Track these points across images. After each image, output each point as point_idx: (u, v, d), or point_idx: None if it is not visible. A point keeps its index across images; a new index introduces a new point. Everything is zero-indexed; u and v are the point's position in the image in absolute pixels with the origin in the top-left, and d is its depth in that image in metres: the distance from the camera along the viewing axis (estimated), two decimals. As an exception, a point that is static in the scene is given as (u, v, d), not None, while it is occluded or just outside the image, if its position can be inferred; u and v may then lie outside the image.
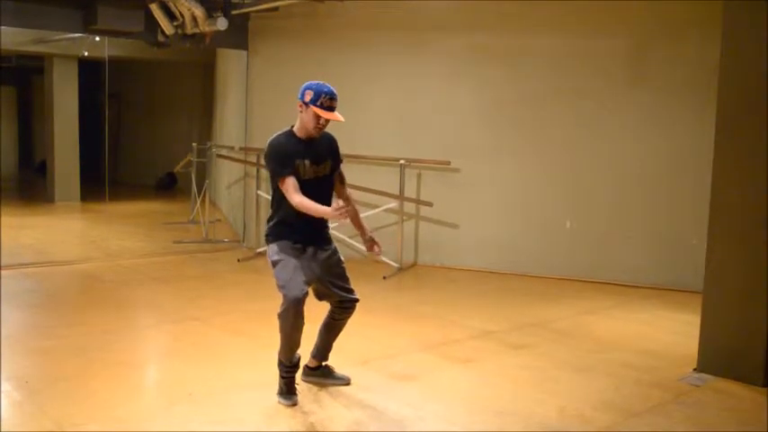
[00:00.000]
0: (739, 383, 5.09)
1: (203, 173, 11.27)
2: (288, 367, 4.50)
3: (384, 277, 8.49)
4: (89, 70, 13.00)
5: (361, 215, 8.40)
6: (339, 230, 8.95)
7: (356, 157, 9.23)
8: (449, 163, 9.03)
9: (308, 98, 4.31)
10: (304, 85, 4.37)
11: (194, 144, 11.49)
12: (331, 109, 4.33)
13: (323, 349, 4.79)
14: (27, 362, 5.29)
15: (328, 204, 4.45)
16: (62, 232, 11.64)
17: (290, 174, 4.32)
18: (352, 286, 4.68)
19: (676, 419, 4.51)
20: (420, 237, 9.42)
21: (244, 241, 10.19)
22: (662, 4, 8.11)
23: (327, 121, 4.35)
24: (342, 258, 4.68)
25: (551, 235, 8.87)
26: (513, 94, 8.94)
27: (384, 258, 8.95)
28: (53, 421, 4.12)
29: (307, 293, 4.32)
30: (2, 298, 7.06)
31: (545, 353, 5.83)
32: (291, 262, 4.35)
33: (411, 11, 9.16)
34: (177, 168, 12.49)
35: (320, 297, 4.64)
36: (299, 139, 4.43)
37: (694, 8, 7.89)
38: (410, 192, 9.18)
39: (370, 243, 4.70)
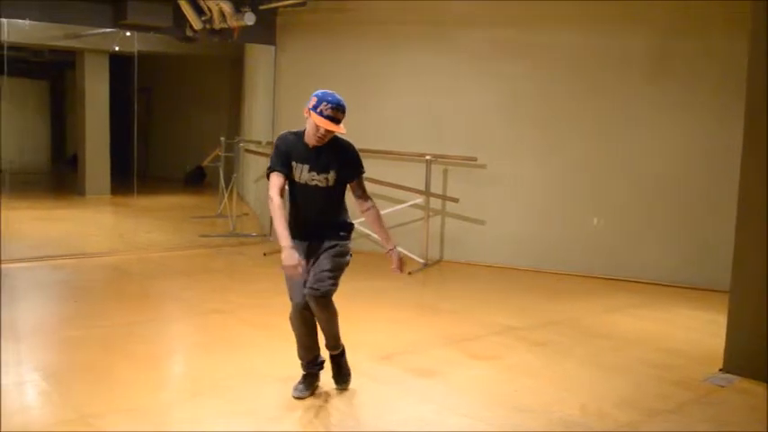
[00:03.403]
0: (766, 384, 5.01)
1: (231, 167, 11.32)
2: (304, 364, 4.57)
3: (409, 273, 8.48)
4: (120, 65, 13.09)
5: (387, 210, 8.43)
6: (365, 225, 8.97)
7: (383, 153, 9.25)
8: (475, 159, 9.00)
9: (311, 104, 4.16)
10: (314, 92, 4.22)
11: (222, 138, 11.54)
12: (332, 119, 4.11)
13: (325, 338, 4.62)
14: (53, 352, 5.36)
15: (330, 215, 4.37)
16: (91, 225, 11.78)
17: (278, 171, 4.25)
18: (332, 283, 4.27)
19: (699, 419, 4.46)
20: (446, 233, 9.40)
21: (270, 235, 10.21)
22: (686, 3, 8.02)
23: (328, 132, 4.15)
24: (343, 254, 4.37)
25: (577, 232, 8.82)
26: (540, 91, 8.90)
27: (410, 254, 8.96)
28: (75, 410, 4.17)
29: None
30: (30, 289, 7.19)
31: (567, 350, 5.80)
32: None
33: (437, 6, 9.14)
34: (205, 162, 12.56)
35: None
36: (305, 143, 4.29)
37: (718, 6, 7.80)
38: (436, 188, 9.16)
39: (393, 259, 4.38)
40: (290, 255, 4.02)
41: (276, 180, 4.26)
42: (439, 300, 7.58)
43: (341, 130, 4.16)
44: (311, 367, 4.57)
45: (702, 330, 6.48)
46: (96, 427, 3.95)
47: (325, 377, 4.72)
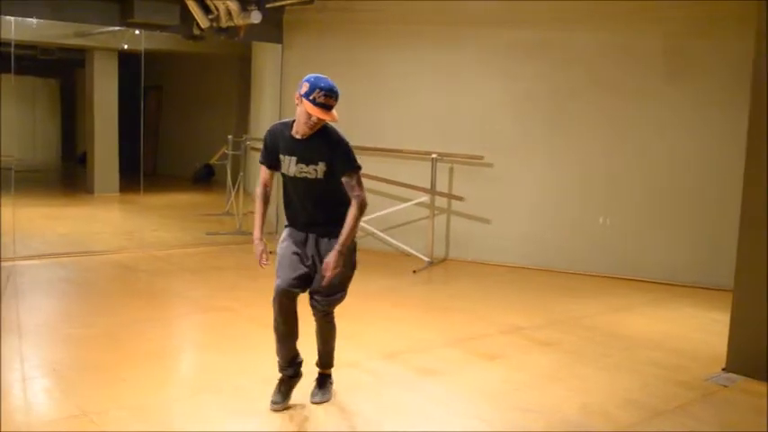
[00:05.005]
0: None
1: (239, 165, 11.33)
2: (280, 363, 4.33)
3: (414, 271, 8.49)
4: (129, 63, 13.14)
5: (393, 208, 8.38)
6: (370, 223, 8.98)
7: (388, 151, 9.24)
8: (481, 158, 8.98)
9: (303, 90, 3.96)
10: (305, 77, 4.03)
11: (230, 136, 11.56)
12: (325, 106, 3.92)
13: (317, 356, 4.52)
14: (57, 349, 5.39)
15: (327, 209, 4.14)
16: (99, 223, 11.81)
17: (263, 162, 4.27)
18: (336, 295, 4.23)
19: (702, 419, 4.45)
20: (451, 231, 9.39)
21: (277, 233, 10.23)
22: (699, 2, 7.99)
23: (321, 120, 3.97)
24: (350, 263, 4.22)
25: (585, 231, 8.80)
26: (547, 90, 8.87)
27: (416, 253, 8.97)
28: (78, 407, 4.18)
29: (295, 287, 4.11)
30: (36, 287, 7.22)
31: (573, 350, 5.79)
32: (287, 252, 4.21)
33: (446, 5, 9.12)
34: (213, 160, 12.59)
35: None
36: (292, 133, 4.11)
37: (731, 6, 7.76)
38: (442, 186, 9.15)
39: (327, 259, 4.09)
40: (255, 248, 4.22)
41: (261, 173, 4.30)
42: (444, 298, 7.57)
43: (334, 119, 3.98)
44: (287, 368, 4.31)
45: (709, 330, 6.44)
46: (99, 424, 3.96)
47: (338, 379, 4.71)
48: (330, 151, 4.06)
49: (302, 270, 4.15)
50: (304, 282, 4.17)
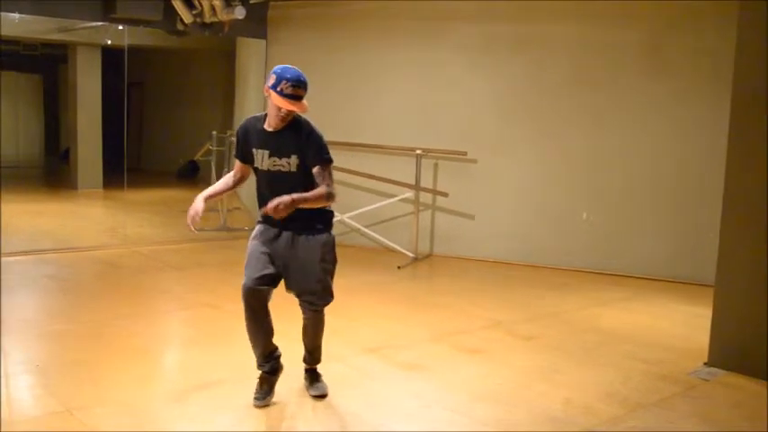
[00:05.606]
0: (750, 379, 5.04)
1: (223, 161, 11.30)
2: (258, 359, 4.29)
3: (399, 267, 8.49)
4: (113, 59, 13.07)
5: (377, 204, 8.38)
6: (355, 219, 9.00)
7: (373, 147, 9.24)
8: (465, 153, 9.00)
9: (270, 82, 3.90)
10: (273, 69, 3.97)
11: (214, 132, 11.53)
12: (293, 97, 3.86)
13: (305, 352, 4.50)
14: (40, 346, 5.37)
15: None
16: (83, 219, 11.76)
17: (237, 157, 4.24)
18: (326, 293, 4.23)
19: (683, 413, 4.48)
20: (436, 227, 9.41)
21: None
22: (679, 1, 8.05)
23: (290, 112, 3.92)
24: (330, 258, 4.22)
25: (568, 226, 8.83)
26: (530, 86, 8.90)
27: (400, 249, 8.98)
28: (61, 403, 4.17)
29: (260, 286, 4.07)
30: (19, 283, 7.18)
31: (555, 344, 5.82)
32: (256, 249, 4.15)
33: (429, 2, 9.12)
34: (197, 156, 12.55)
35: (286, 288, 4.26)
36: (264, 127, 4.07)
37: (711, 4, 7.82)
38: (426, 182, 9.16)
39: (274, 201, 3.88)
40: (194, 204, 4.13)
41: (236, 165, 4.28)
42: (428, 294, 7.59)
43: (304, 109, 3.92)
44: (264, 363, 4.27)
45: (692, 325, 6.48)
46: (81, 420, 3.95)
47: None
48: (302, 143, 4.00)
49: (269, 270, 4.09)
50: (271, 281, 4.11)
